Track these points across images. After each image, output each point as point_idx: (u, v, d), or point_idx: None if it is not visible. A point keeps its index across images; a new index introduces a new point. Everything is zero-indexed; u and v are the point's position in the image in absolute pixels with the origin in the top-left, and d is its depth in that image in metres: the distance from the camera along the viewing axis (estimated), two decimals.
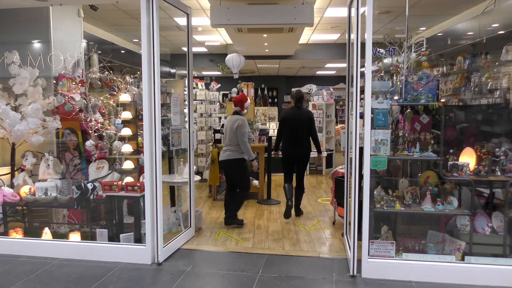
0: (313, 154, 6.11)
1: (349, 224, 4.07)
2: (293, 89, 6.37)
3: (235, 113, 5.31)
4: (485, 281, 3.43)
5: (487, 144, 3.75)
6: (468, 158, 3.76)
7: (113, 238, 4.26)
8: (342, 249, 4.35)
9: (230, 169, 5.28)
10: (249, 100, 5.45)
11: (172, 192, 5.32)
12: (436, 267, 3.54)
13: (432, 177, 3.89)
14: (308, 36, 10.20)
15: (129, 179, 4.52)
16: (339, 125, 11.93)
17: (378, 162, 3.49)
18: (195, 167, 6.03)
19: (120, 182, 4.30)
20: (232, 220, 5.27)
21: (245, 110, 5.34)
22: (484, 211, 3.78)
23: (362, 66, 3.47)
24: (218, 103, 9.64)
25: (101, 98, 4.78)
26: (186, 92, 5.22)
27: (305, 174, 6.28)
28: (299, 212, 5.78)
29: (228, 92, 10.09)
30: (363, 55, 3.44)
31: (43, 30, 5.04)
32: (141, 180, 4.42)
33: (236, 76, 10.01)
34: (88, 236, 4.41)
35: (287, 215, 5.50)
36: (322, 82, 17.13)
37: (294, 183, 5.74)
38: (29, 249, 4.19)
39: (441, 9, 7.12)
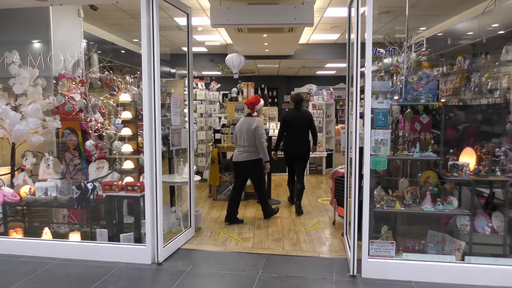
0: (315, 154, 6.40)
1: (349, 224, 4.07)
2: (293, 92, 6.69)
3: (249, 114, 5.47)
4: (485, 281, 3.43)
5: (487, 144, 3.74)
6: (468, 158, 3.76)
7: (113, 238, 4.26)
8: (342, 249, 4.35)
9: (250, 169, 5.41)
10: (261, 102, 5.60)
11: (172, 192, 5.32)
12: (436, 267, 3.54)
13: (432, 177, 3.89)
14: (308, 36, 10.19)
15: (129, 179, 4.52)
16: (339, 125, 11.93)
17: (378, 162, 3.49)
18: (195, 167, 6.03)
19: (120, 182, 4.30)
20: (268, 212, 5.58)
21: (255, 113, 5.49)
22: (484, 211, 3.79)
23: (362, 66, 3.47)
24: (218, 103, 9.64)
25: (101, 98, 4.78)
26: (186, 92, 5.22)
27: (305, 174, 6.69)
28: (300, 211, 5.88)
29: (228, 92, 10.08)
30: (363, 55, 3.44)
31: (43, 30, 5.04)
32: (141, 180, 4.42)
33: (236, 76, 10.01)
34: (88, 236, 4.40)
35: (292, 201, 6.29)
36: (322, 82, 17.13)
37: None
38: (29, 249, 4.19)
39: (441, 9, 7.12)
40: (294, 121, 6.04)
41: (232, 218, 5.37)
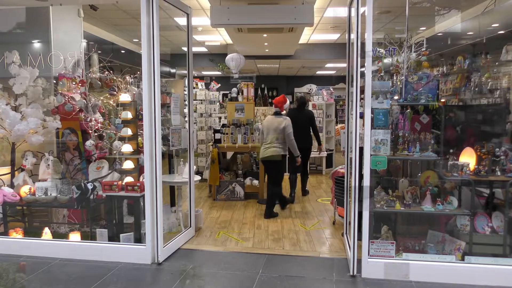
0: (315, 154, 7.10)
1: (349, 224, 4.07)
2: (299, 94, 7.14)
3: (276, 113, 5.82)
4: (485, 281, 3.44)
5: (487, 144, 3.74)
6: (468, 158, 3.76)
7: (113, 238, 4.26)
8: (342, 249, 4.35)
9: (271, 165, 5.72)
10: (288, 102, 6.08)
11: (172, 192, 5.32)
12: (436, 267, 3.54)
13: (432, 177, 3.89)
14: (308, 36, 10.20)
15: (129, 179, 4.52)
16: (339, 125, 11.91)
17: (378, 162, 3.49)
18: (195, 167, 6.04)
19: (120, 182, 4.30)
20: (270, 214, 5.66)
21: (284, 111, 6.01)
22: (484, 211, 3.79)
23: (362, 66, 3.47)
24: (218, 103, 9.64)
25: (101, 98, 4.78)
26: (186, 92, 5.22)
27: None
28: (305, 192, 6.92)
29: (228, 92, 10.08)
30: (363, 55, 3.44)
31: (43, 30, 5.04)
32: (141, 180, 4.42)
33: (236, 76, 10.00)
34: (88, 236, 4.40)
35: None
36: (322, 82, 17.10)
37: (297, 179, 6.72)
38: (29, 249, 4.19)
39: (441, 9, 7.12)
40: (296, 119, 6.38)
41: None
